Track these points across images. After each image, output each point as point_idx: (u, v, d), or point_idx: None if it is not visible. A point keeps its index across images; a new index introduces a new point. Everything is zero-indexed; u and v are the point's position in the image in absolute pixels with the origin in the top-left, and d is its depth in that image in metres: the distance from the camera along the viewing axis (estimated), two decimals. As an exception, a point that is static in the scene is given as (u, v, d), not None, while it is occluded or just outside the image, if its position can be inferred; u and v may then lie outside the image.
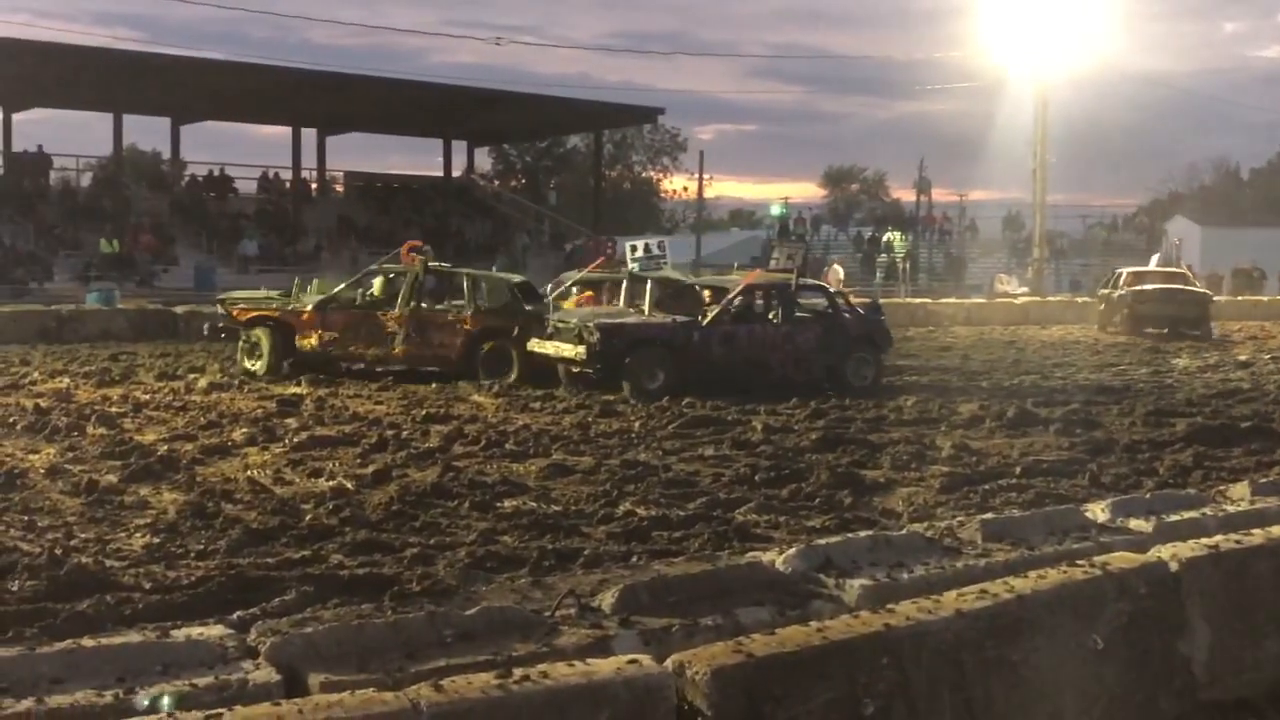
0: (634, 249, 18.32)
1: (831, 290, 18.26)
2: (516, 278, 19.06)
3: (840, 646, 3.86)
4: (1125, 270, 29.96)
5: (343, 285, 17.60)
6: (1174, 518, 5.92)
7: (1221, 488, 7.07)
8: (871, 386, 16.04)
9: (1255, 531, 5.37)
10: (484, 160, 67.77)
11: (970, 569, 4.99)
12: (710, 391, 14.49)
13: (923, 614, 4.14)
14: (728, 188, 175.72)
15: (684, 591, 4.51)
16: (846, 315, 17.12)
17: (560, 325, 15.87)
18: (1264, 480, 7.22)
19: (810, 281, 19.08)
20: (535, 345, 15.92)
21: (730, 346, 15.80)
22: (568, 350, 15.37)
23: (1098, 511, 6.03)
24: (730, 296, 16.34)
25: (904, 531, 5.64)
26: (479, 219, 48.21)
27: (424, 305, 16.91)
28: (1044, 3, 39.71)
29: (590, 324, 15.31)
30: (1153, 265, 30.94)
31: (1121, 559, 4.87)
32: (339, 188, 50.01)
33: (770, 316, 16.62)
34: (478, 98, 44.52)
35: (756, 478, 9.59)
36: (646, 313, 16.44)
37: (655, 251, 17.98)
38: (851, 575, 4.82)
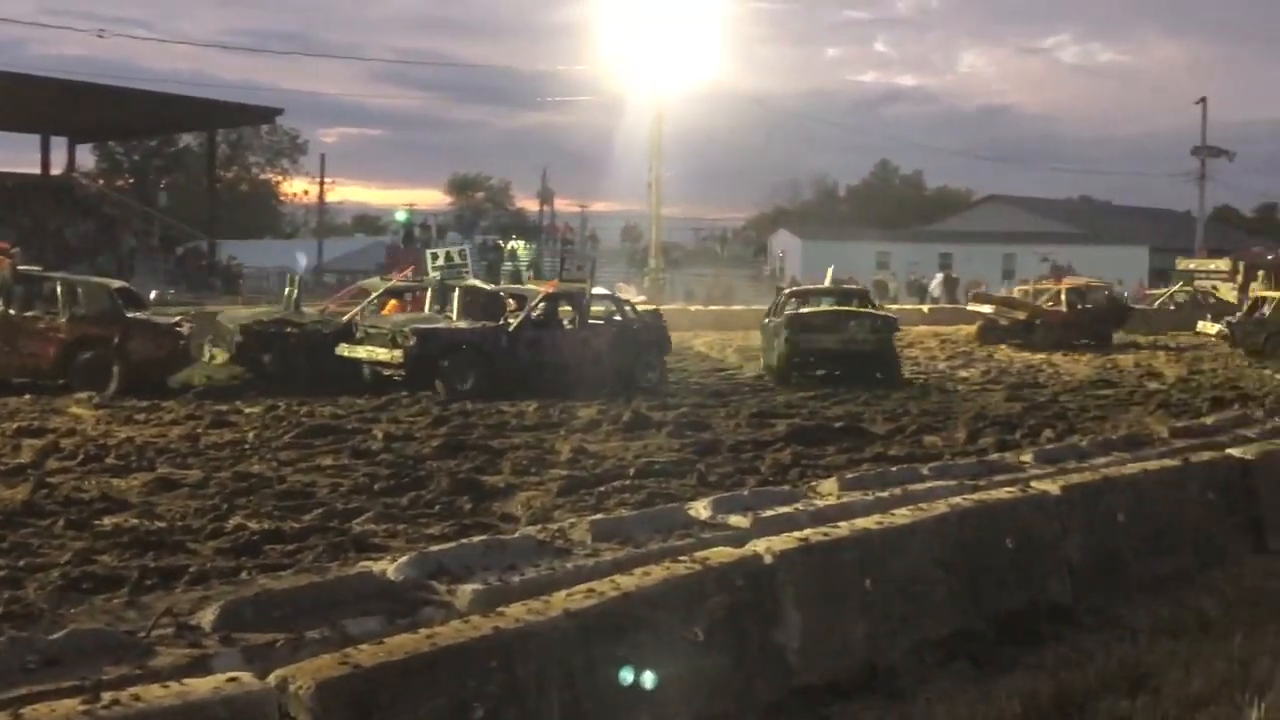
0: (435, 257, 19.28)
1: (621, 299, 19.65)
2: (117, 283, 18.03)
3: (449, 652, 3.86)
4: (789, 290, 22.88)
5: None
6: (769, 513, 6.24)
7: (814, 483, 7.52)
8: (658, 385, 17.31)
9: (842, 524, 5.73)
10: (88, 158, 63.98)
11: (580, 569, 5.10)
12: (513, 392, 15.44)
13: (532, 615, 4.20)
14: (352, 192, 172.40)
15: (290, 605, 4.40)
16: (634, 321, 18.45)
17: (372, 330, 16.57)
18: (851, 476, 7.74)
19: (601, 291, 20.17)
20: (346, 350, 16.48)
21: (534, 350, 16.81)
22: (382, 354, 16.06)
23: (700, 509, 6.29)
24: (532, 304, 17.31)
25: (517, 535, 5.71)
26: (81, 220, 45.24)
27: (13, 312, 15.75)
28: (660, 22, 41.26)
29: (405, 329, 16.04)
30: (829, 282, 23.67)
31: (720, 554, 5.10)
32: (-80, 184, 45.78)
33: (567, 323, 17.65)
34: (78, 92, 41.81)
35: (376, 487, 9.46)
36: (455, 319, 17.28)
37: (457, 260, 19.20)
38: (464, 580, 4.84)
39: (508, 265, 50.26)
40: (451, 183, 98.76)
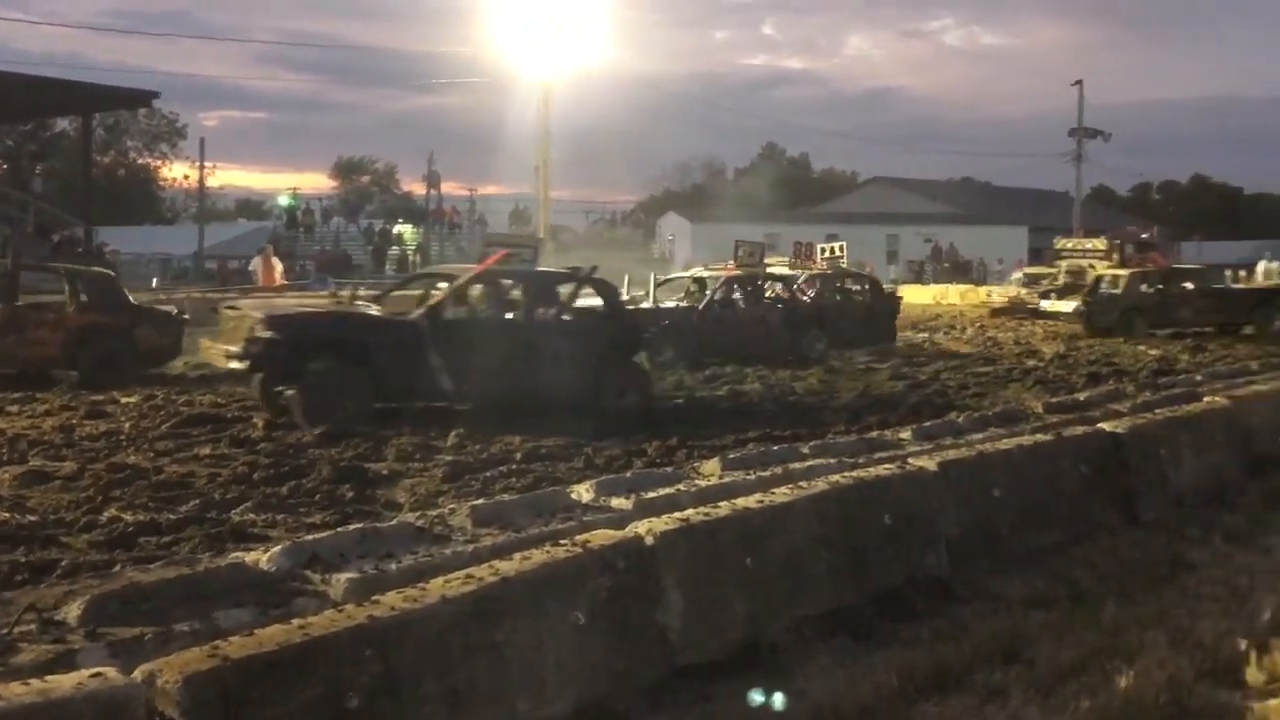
0: (823, 251, 25.23)
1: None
2: (110, 271, 18.01)
3: (322, 642, 3.80)
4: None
5: None
6: (652, 494, 6.25)
7: (696, 464, 7.53)
8: (823, 355, 20.01)
9: (722, 504, 5.74)
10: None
11: (459, 555, 5.06)
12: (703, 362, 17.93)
13: (408, 603, 4.15)
14: (234, 177, 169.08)
15: (159, 598, 4.30)
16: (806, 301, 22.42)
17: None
18: (733, 456, 7.77)
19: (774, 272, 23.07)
20: None
21: (720, 326, 19.75)
22: None
23: (583, 492, 6.27)
24: (716, 286, 20.64)
25: (394, 522, 5.63)
26: (-50, 207, 43.83)
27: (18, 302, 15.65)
28: (549, 3, 41.01)
29: None
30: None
31: (602, 536, 5.09)
32: None
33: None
34: (-59, 74, 40.37)
35: (255, 476, 9.27)
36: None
37: (838, 253, 25.11)
38: (339, 569, 4.76)
39: (395, 250, 49.81)
40: (337, 166, 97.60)
